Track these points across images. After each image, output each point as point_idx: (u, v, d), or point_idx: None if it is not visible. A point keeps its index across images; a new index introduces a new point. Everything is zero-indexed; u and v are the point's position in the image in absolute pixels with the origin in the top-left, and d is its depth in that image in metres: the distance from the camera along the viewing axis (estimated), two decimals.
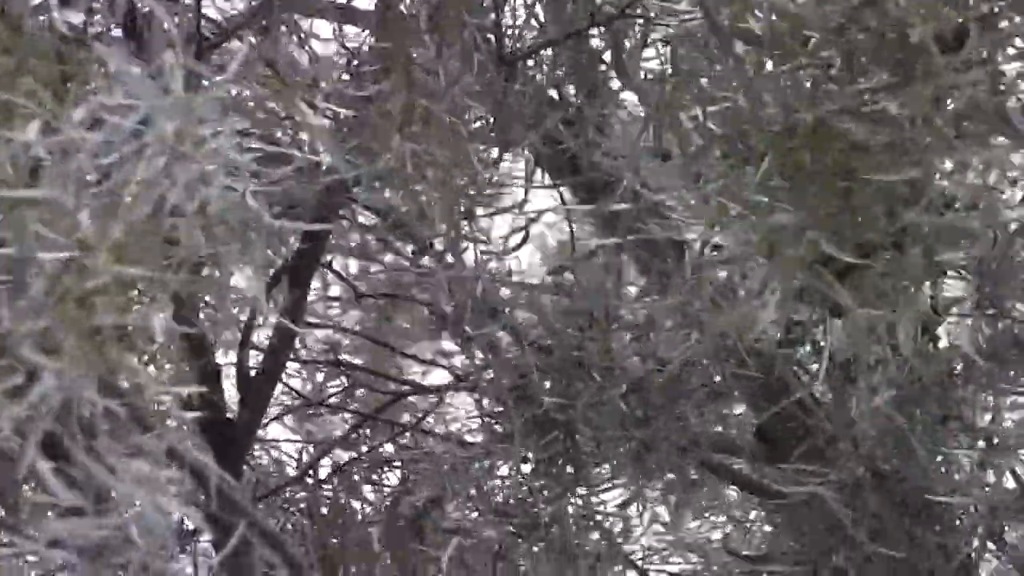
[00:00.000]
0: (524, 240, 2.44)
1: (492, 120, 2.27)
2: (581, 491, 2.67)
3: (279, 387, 3.73)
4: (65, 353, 1.10)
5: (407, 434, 3.52)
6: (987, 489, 2.36)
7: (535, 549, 2.73)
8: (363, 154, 1.96)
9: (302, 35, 2.16)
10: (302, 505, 3.40)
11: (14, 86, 1.21)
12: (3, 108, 1.18)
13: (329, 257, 2.81)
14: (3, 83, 1.21)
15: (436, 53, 2.01)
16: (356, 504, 3.40)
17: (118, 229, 1.12)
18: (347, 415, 3.69)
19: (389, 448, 3.51)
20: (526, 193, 2.35)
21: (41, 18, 1.31)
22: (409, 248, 2.55)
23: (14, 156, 1.13)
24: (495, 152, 2.25)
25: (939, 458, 2.36)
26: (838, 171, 1.46)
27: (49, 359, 1.08)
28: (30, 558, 1.29)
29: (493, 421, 2.78)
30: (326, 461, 3.57)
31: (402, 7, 2.20)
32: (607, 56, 2.32)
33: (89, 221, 1.12)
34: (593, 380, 2.50)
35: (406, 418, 3.60)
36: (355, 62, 2.12)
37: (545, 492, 2.71)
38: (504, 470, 2.92)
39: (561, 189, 2.59)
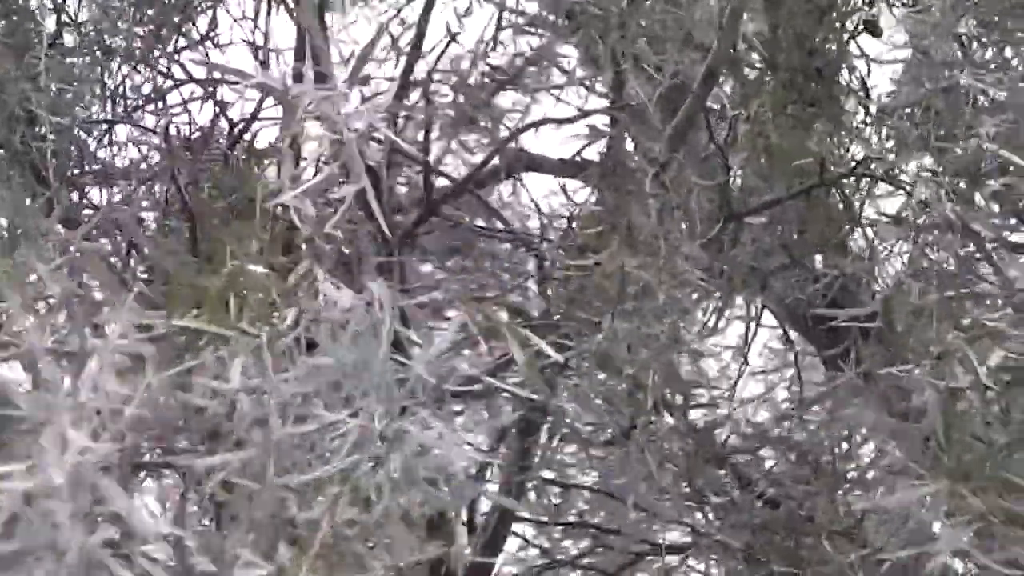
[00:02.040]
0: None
1: (719, 275, 2.43)
2: None
3: (518, 544, 3.94)
4: None
5: None
6: None
7: None
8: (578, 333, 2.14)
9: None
10: None
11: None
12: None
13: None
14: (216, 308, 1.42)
15: (658, 219, 2.19)
16: None
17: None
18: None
19: None
20: (747, 346, 2.48)
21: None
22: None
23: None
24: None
25: None
26: None
27: None
28: None
29: None
30: None
31: (630, 162, 2.41)
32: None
33: None
34: (822, 541, 2.55)
35: None
36: (575, 221, 2.33)
37: None
38: None
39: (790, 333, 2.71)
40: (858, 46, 2.52)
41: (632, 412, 2.19)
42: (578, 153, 2.50)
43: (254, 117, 2.86)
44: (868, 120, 2.53)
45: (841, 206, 2.45)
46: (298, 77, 2.65)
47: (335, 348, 1.35)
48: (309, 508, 1.31)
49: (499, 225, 2.81)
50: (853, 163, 2.39)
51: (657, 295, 2.09)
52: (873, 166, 2.39)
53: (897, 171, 2.30)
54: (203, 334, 1.40)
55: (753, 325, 2.65)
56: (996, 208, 2.32)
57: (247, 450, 1.30)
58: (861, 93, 2.53)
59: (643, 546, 3.69)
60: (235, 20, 2.83)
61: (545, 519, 3.80)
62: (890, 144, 2.43)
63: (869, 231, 2.40)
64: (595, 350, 2.12)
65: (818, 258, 2.62)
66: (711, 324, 2.41)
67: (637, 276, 2.11)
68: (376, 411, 1.33)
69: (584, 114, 2.46)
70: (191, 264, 1.77)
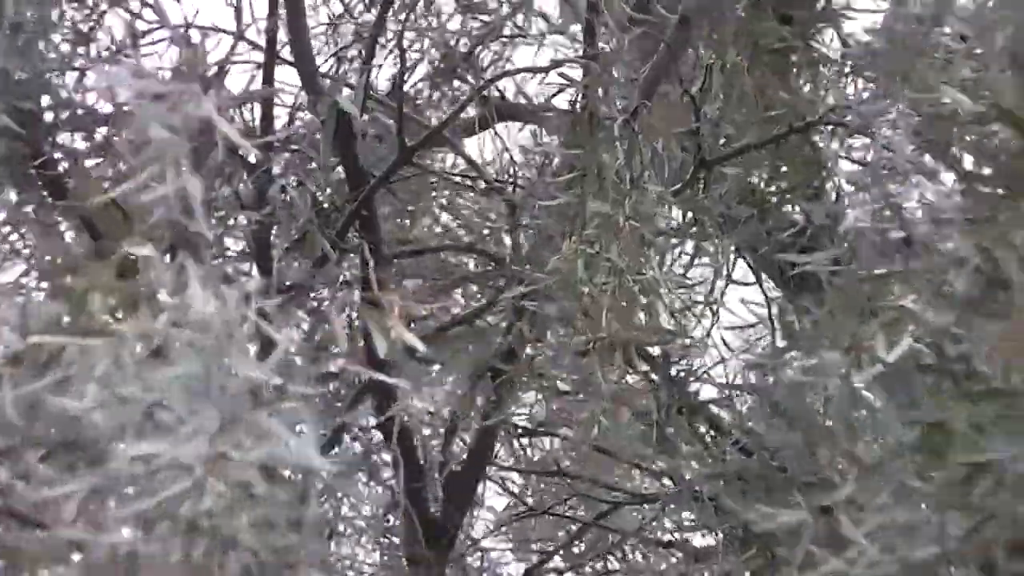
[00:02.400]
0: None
1: (685, 220, 2.45)
2: None
3: (503, 496, 3.98)
4: None
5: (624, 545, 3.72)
6: None
7: None
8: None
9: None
10: None
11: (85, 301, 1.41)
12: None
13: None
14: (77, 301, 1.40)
15: (626, 160, 2.21)
16: None
17: None
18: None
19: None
20: (712, 287, 2.50)
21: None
22: None
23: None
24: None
25: None
26: None
27: None
28: None
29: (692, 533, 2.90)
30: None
31: (603, 108, 2.42)
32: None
33: None
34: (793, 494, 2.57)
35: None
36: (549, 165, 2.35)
37: None
38: None
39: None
40: None
41: (587, 336, 2.20)
42: (549, 99, 2.52)
43: (227, 60, 2.87)
44: (846, 70, 2.54)
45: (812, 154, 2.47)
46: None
47: (181, 355, 1.31)
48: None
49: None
50: (826, 111, 2.41)
51: (620, 227, 2.11)
52: (848, 117, 2.41)
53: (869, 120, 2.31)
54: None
55: (724, 272, 2.67)
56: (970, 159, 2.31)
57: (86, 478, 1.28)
58: (837, 42, 2.55)
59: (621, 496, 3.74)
60: None
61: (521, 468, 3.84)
62: (866, 95, 2.44)
63: (841, 181, 2.42)
64: (552, 269, 2.14)
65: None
66: (681, 270, 2.43)
67: (600, 210, 2.13)
68: (212, 425, 1.29)
69: (557, 63, 2.47)
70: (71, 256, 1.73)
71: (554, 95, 2.44)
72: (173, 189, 1.34)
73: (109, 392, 1.32)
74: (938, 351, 1.69)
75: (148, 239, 1.52)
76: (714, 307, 2.62)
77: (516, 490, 3.97)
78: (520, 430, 3.59)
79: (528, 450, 3.85)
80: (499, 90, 3.00)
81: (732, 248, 2.63)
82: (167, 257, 1.49)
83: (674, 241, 2.45)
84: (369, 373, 1.48)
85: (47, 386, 1.35)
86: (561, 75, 2.44)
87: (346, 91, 2.69)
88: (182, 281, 1.39)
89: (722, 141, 2.50)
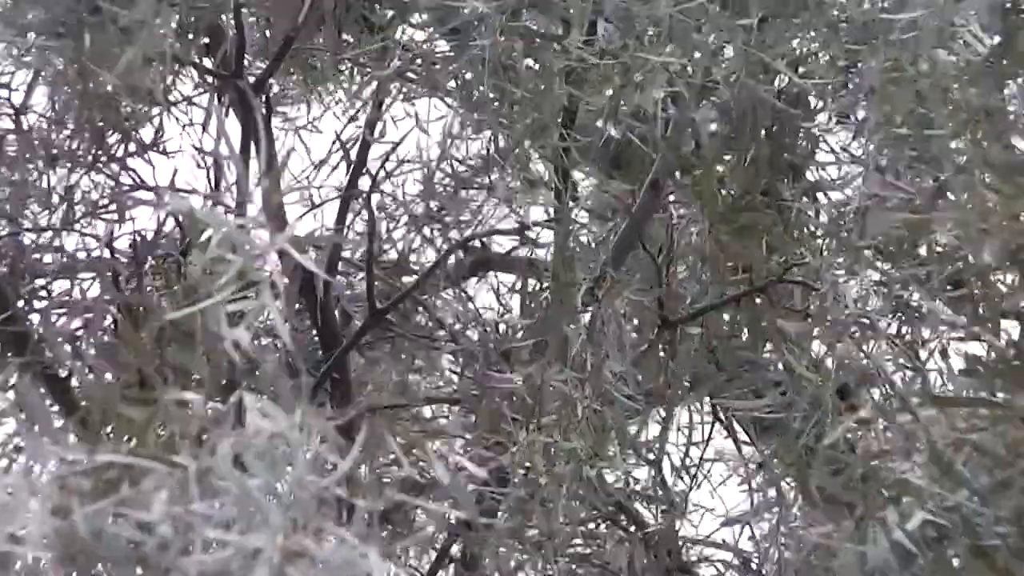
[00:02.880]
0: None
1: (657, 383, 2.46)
2: None
3: None
4: None
5: None
6: None
7: None
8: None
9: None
10: None
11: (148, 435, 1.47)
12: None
13: None
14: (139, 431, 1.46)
15: (588, 335, 2.22)
16: None
17: None
18: None
19: None
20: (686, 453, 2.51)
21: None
22: None
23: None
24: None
25: None
26: None
27: None
28: None
29: None
30: None
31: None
32: None
33: None
34: None
35: None
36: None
37: None
38: None
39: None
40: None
41: (546, 528, 2.22)
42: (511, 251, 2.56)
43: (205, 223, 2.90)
44: (818, 231, 2.57)
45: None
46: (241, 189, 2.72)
47: (257, 471, 1.36)
48: None
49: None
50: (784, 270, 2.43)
51: (577, 410, 2.12)
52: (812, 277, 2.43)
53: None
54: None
55: (703, 431, 2.68)
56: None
57: None
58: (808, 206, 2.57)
59: None
60: (183, 127, 2.88)
61: None
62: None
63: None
64: (512, 462, 2.16)
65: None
66: (652, 437, 2.44)
67: (560, 390, 2.14)
68: (278, 531, 1.34)
69: (524, 227, 2.51)
70: (116, 389, 1.78)
71: (510, 251, 2.48)
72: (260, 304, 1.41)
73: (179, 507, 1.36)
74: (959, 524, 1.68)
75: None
76: (694, 470, 2.63)
77: None
78: None
79: None
80: (482, 241, 3.03)
81: (708, 408, 2.64)
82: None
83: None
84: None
85: (115, 503, 1.39)
86: (526, 239, 2.47)
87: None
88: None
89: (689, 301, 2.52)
